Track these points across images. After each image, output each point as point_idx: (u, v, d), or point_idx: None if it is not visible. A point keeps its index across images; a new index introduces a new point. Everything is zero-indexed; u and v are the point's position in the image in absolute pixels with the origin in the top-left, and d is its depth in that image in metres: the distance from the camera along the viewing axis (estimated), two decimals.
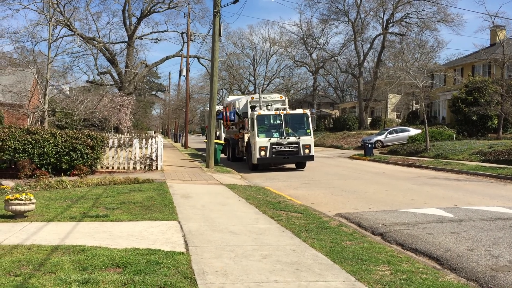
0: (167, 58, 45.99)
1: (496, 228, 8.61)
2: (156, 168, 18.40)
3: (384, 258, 6.54)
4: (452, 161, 23.67)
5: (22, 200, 8.41)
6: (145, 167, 18.27)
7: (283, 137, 20.42)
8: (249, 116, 21.90)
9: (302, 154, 20.60)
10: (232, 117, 25.51)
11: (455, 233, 8.26)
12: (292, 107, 34.42)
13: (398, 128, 39.92)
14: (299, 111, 22.01)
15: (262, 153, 20.27)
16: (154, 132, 64.25)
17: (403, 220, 9.53)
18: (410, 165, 23.87)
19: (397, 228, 8.79)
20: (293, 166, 22.33)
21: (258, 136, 20.27)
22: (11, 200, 8.38)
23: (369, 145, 30.76)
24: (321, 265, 6.14)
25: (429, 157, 26.54)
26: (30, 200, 8.53)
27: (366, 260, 6.40)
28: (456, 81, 44.99)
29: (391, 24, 54.56)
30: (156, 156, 18.52)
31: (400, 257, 6.68)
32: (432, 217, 9.75)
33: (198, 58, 46.25)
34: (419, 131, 34.82)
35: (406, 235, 8.21)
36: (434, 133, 32.62)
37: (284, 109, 22.24)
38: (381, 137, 37.28)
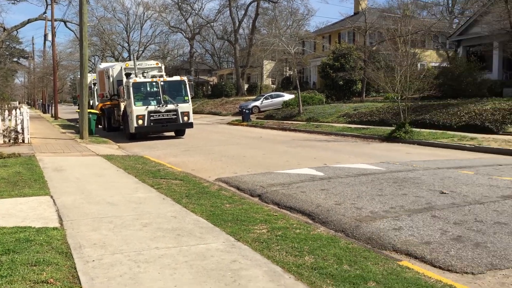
0: (29, 21, 41.95)
1: (360, 183, 9.47)
2: (23, 141, 17.08)
3: (261, 217, 6.86)
4: (322, 123, 25.25)
5: None
6: (9, 141, 16.83)
7: (161, 105, 20.05)
8: (124, 84, 21.05)
9: (181, 121, 20.46)
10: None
11: (325, 190, 8.93)
12: (169, 74, 33.65)
13: (273, 93, 41.16)
14: (176, 78, 21.70)
15: (140, 121, 19.75)
16: (19, 103, 59.09)
17: (279, 180, 10.04)
18: (285, 129, 25.00)
19: (274, 188, 9.25)
20: (172, 134, 22.11)
21: (134, 104, 19.66)
22: None
23: (247, 111, 31.49)
24: (202, 229, 6.27)
25: (302, 120, 27.99)
26: None
27: (245, 220, 6.66)
28: (324, 48, 47.53)
29: None
30: (22, 128, 17.17)
31: (276, 215, 7.05)
32: (305, 177, 10.40)
33: (64, 22, 43.11)
34: (292, 96, 36.28)
35: (281, 195, 8.68)
36: (306, 98, 34.32)
37: (161, 76, 21.74)
38: (257, 103, 38.29)
